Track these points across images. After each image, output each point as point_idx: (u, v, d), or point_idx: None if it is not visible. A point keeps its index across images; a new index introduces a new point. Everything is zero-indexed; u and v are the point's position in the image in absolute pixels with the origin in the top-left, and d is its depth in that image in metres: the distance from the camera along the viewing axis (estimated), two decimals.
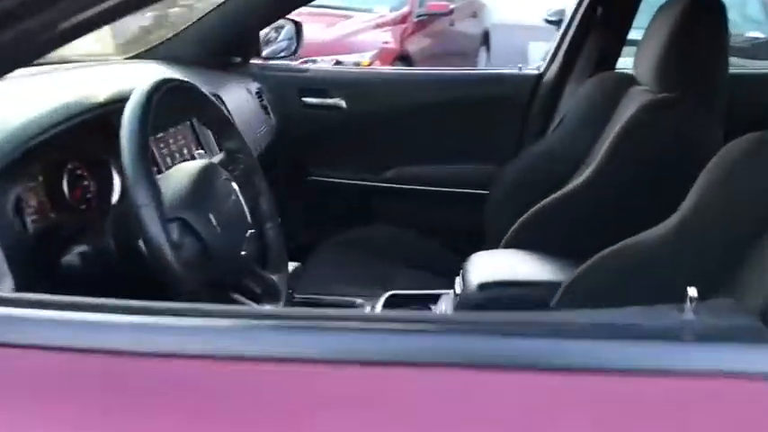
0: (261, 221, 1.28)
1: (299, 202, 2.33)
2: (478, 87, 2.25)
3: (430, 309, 1.60)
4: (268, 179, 2.25)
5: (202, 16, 2.09)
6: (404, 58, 5.13)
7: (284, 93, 2.22)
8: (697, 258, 1.12)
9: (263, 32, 2.61)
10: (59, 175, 1.15)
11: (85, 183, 1.23)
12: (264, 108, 2.11)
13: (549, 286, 1.35)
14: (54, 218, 1.13)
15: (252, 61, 2.25)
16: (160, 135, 1.45)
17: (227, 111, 1.72)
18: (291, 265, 1.52)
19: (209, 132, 1.44)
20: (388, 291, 1.66)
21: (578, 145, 1.86)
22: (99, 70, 1.84)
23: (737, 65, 3.39)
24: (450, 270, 1.63)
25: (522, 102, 2.18)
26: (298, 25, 2.35)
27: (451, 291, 1.56)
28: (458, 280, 1.52)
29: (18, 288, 0.89)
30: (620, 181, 1.54)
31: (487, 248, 1.72)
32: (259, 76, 2.20)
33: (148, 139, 0.95)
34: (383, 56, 4.91)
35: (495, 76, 2.36)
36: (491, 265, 1.54)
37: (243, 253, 1.08)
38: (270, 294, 1.19)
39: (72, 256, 1.00)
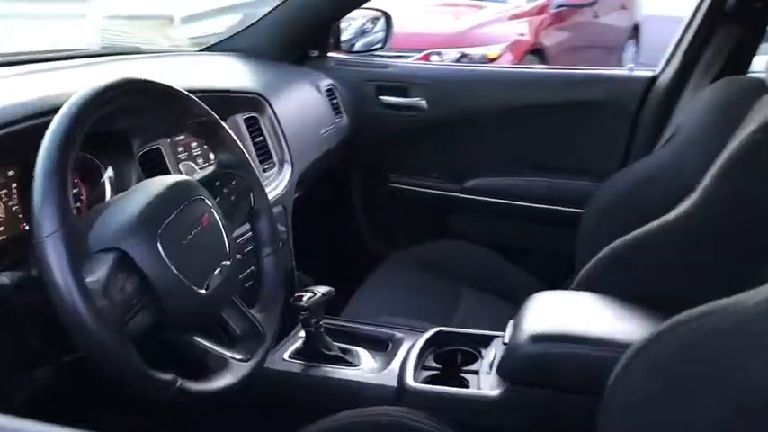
0: (258, 247, 1.10)
1: (372, 209, 2.14)
2: (580, 90, 1.93)
3: (479, 352, 1.36)
4: (339, 183, 2.11)
5: (278, 5, 1.95)
6: (537, 52, 4.78)
7: (361, 90, 2.03)
8: None
9: (358, 24, 2.46)
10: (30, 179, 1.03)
11: (74, 191, 1.10)
12: (335, 106, 1.93)
13: (616, 347, 1.07)
14: (26, 230, 1.01)
15: (332, 55, 2.09)
16: (180, 138, 1.31)
17: (273, 112, 1.57)
18: (321, 290, 1.34)
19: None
20: (436, 325, 1.43)
21: (691, 165, 1.52)
22: (159, 62, 1.75)
23: None
24: (527, 299, 1.37)
25: (631, 109, 1.85)
26: (388, 17, 2.18)
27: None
28: (510, 325, 1.27)
29: None
30: (727, 217, 1.21)
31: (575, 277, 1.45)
32: (335, 72, 2.02)
33: (70, 156, 0.80)
34: (514, 49, 4.59)
35: (602, 77, 2.02)
36: (551, 311, 1.27)
37: (201, 291, 0.90)
38: (250, 336, 1.00)
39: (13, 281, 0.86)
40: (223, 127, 1.04)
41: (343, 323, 1.49)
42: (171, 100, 0.97)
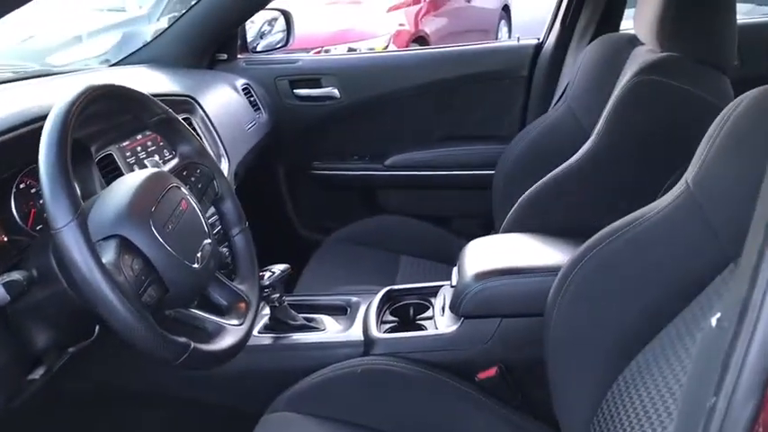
0: (227, 228, 1.20)
1: (302, 197, 2.26)
2: (475, 63, 2.13)
3: (430, 302, 1.51)
4: (266, 176, 2.20)
5: (181, 15, 2.02)
6: (420, 39, 5.00)
7: (275, 86, 2.14)
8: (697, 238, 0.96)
9: (257, 27, 2.55)
10: (6, 192, 1.08)
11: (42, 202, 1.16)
12: (253, 104, 2.03)
13: (547, 272, 1.24)
14: (5, 242, 1.07)
15: (240, 57, 2.18)
16: (125, 143, 1.38)
17: (203, 112, 1.65)
18: (279, 268, 1.44)
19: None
20: (386, 286, 1.57)
21: (584, 115, 1.73)
22: (78, 79, 1.79)
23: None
24: (464, 247, 1.52)
25: (523, 75, 2.06)
26: (287, 15, 2.28)
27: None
28: (454, 271, 1.42)
29: None
30: (620, 153, 1.42)
31: (497, 232, 1.62)
32: (247, 72, 2.12)
33: (67, 154, 0.87)
34: (398, 39, 4.78)
35: (492, 50, 2.23)
36: (487, 253, 1.43)
37: (195, 266, 0.99)
38: (238, 305, 1.11)
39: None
40: (180, 122, 1.13)
41: (301, 297, 1.59)
42: (133, 101, 1.05)
